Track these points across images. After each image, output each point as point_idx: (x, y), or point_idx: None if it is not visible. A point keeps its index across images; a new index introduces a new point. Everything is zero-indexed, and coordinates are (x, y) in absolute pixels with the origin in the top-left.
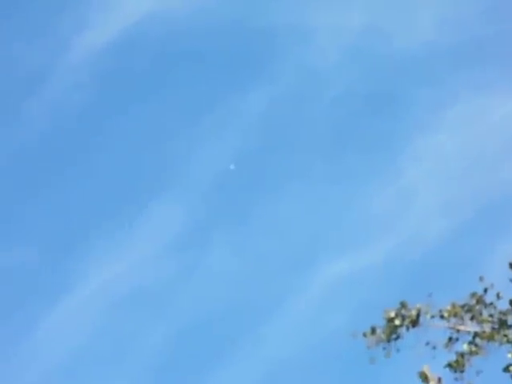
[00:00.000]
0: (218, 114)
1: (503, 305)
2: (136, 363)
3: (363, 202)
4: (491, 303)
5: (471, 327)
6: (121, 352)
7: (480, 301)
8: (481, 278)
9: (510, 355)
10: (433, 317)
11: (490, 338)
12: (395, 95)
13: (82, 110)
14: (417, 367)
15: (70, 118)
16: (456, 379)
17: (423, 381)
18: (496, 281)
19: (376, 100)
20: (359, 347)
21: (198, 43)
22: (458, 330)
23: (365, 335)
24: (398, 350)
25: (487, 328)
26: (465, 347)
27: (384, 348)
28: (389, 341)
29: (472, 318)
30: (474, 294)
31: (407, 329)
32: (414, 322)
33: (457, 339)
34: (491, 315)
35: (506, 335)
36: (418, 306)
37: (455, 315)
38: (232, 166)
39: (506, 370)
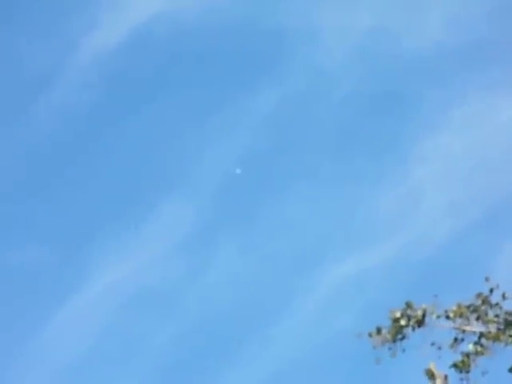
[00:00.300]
0: (226, 114)
1: (509, 305)
2: (144, 363)
3: (371, 203)
4: (497, 303)
5: (477, 327)
6: (128, 352)
7: (486, 301)
8: (486, 279)
9: None
10: (438, 317)
11: (496, 338)
12: (403, 95)
13: (90, 111)
14: (422, 367)
15: (79, 119)
16: (461, 379)
17: (430, 378)
18: (503, 281)
19: (384, 100)
20: (366, 347)
21: (207, 44)
22: (464, 331)
23: (370, 335)
24: (403, 351)
25: (493, 328)
26: (470, 347)
27: (390, 348)
28: (394, 341)
29: (478, 319)
30: (479, 295)
31: (413, 329)
32: (420, 323)
33: (462, 339)
34: (497, 315)
35: (511, 335)
36: (423, 306)
37: (461, 315)
38: (238, 171)
39: (511, 370)
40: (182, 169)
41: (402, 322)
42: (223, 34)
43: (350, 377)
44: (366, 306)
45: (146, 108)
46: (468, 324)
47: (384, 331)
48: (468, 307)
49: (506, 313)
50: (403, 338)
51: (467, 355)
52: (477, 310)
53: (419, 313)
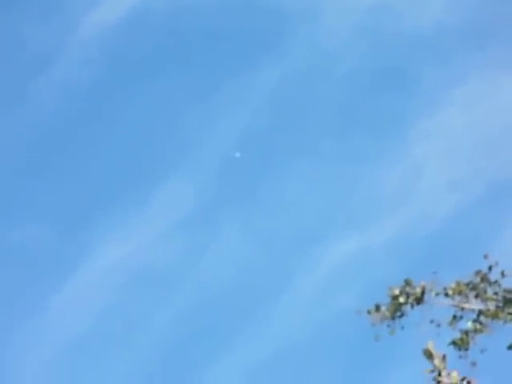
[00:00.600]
0: (227, 92)
1: (508, 283)
2: (144, 342)
3: (372, 180)
4: (496, 281)
5: (476, 305)
6: (130, 331)
7: (484, 279)
8: (485, 256)
9: None
10: (437, 294)
11: (495, 316)
12: (404, 73)
13: (91, 87)
14: (421, 344)
15: (80, 95)
16: (460, 357)
17: (428, 358)
18: (504, 258)
19: (385, 78)
20: (367, 326)
21: (208, 21)
22: (463, 308)
23: (369, 312)
24: (402, 328)
25: (492, 306)
26: (469, 325)
27: (388, 325)
28: (393, 318)
29: (476, 296)
30: (478, 272)
31: (412, 306)
32: (419, 300)
33: (461, 317)
34: (496, 293)
35: (510, 313)
36: (422, 283)
37: (460, 293)
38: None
39: (510, 347)
40: (183, 148)
41: (401, 300)
42: (224, 11)
43: (350, 356)
44: (368, 284)
45: (146, 85)
46: (467, 301)
47: (383, 308)
48: (467, 285)
49: (505, 290)
50: (402, 315)
51: (466, 333)
52: (476, 287)
53: (418, 290)
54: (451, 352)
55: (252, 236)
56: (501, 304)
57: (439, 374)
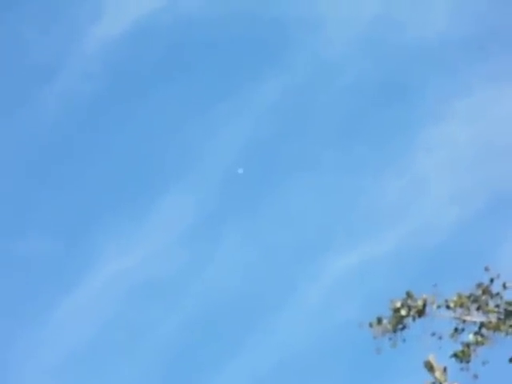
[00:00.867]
0: (229, 104)
1: (510, 295)
2: (148, 352)
3: (374, 192)
4: (497, 293)
5: (477, 317)
6: (133, 342)
7: (486, 291)
8: (486, 268)
9: None
10: (439, 307)
11: (496, 328)
12: (407, 85)
13: (93, 100)
14: (423, 357)
15: (82, 108)
16: (462, 369)
17: (429, 370)
18: (507, 270)
19: (388, 90)
20: (369, 338)
21: (211, 33)
22: (464, 321)
23: (371, 325)
24: (404, 341)
25: (493, 318)
26: (471, 337)
27: (390, 338)
28: (395, 331)
29: (478, 309)
30: (480, 285)
31: (413, 319)
32: (420, 312)
33: (463, 329)
34: (497, 305)
35: (511, 325)
36: (424, 296)
37: (461, 305)
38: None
39: None
40: (186, 159)
41: (403, 312)
42: (227, 23)
43: (353, 367)
44: (370, 296)
45: (149, 98)
46: (468, 314)
47: (384, 321)
48: (468, 297)
49: (507, 303)
50: (404, 328)
51: (467, 345)
52: (477, 299)
53: (419, 303)
54: (453, 364)
55: (254, 247)
56: (502, 316)
57: None
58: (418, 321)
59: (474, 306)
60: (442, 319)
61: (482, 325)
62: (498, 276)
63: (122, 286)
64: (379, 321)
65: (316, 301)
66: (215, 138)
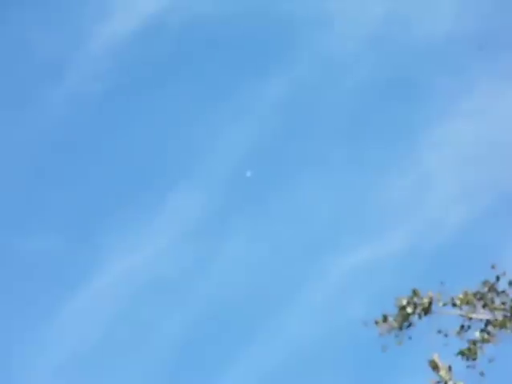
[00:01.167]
0: (237, 101)
1: None
2: (155, 350)
3: (382, 190)
4: (503, 291)
5: (483, 315)
6: (140, 340)
7: (492, 288)
8: (493, 266)
9: None
10: (445, 304)
11: (503, 325)
12: (414, 83)
13: (101, 99)
14: (429, 355)
15: (90, 107)
16: (468, 367)
17: (433, 369)
18: None
19: (395, 88)
20: (376, 335)
21: (217, 31)
22: (470, 318)
23: (376, 323)
24: (410, 338)
25: (499, 316)
26: (477, 335)
27: (396, 336)
28: (401, 329)
29: (484, 306)
30: (486, 282)
31: (419, 317)
32: (426, 310)
33: (469, 327)
34: (503, 303)
35: None
36: (429, 293)
37: (467, 303)
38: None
39: None
40: (193, 156)
41: (409, 310)
42: (234, 21)
43: (359, 364)
44: (378, 293)
45: (156, 96)
46: (474, 311)
47: (390, 319)
48: (475, 294)
49: None
50: (409, 325)
51: (474, 343)
52: (483, 297)
53: (425, 300)
54: (459, 362)
55: (262, 244)
56: (509, 314)
57: None
58: (424, 318)
59: (480, 304)
60: (448, 317)
61: (488, 322)
62: (505, 273)
63: (129, 283)
64: (385, 318)
65: (323, 298)
66: (222, 136)
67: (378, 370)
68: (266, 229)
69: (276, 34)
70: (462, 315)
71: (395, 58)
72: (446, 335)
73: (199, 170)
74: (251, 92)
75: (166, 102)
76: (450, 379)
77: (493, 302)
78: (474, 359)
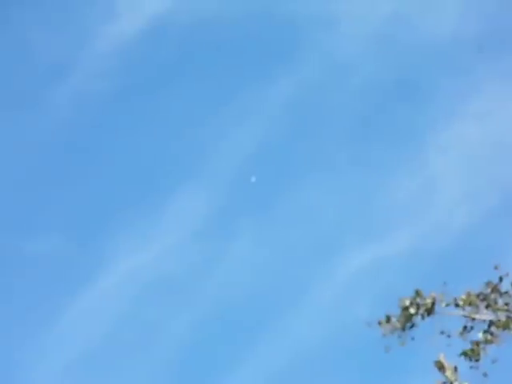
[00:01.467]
0: (242, 102)
1: None
2: (161, 350)
3: (388, 191)
4: (506, 292)
5: (486, 316)
6: (146, 339)
7: (495, 289)
8: (496, 267)
9: None
10: (448, 305)
11: (506, 326)
12: (420, 84)
13: (106, 99)
14: (432, 356)
15: (95, 107)
16: (471, 368)
17: (439, 370)
18: None
19: (401, 89)
20: (380, 336)
21: (223, 32)
22: (473, 319)
23: (380, 324)
24: (412, 339)
25: (502, 317)
26: (480, 336)
27: (399, 336)
28: (404, 329)
29: (487, 307)
30: (489, 283)
31: (422, 317)
32: (429, 311)
33: (472, 328)
34: (506, 304)
35: None
36: (432, 294)
37: (470, 304)
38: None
39: None
40: (199, 157)
41: (412, 311)
42: (240, 22)
43: (365, 365)
44: (384, 294)
45: (161, 97)
46: (477, 312)
47: (393, 319)
48: (477, 295)
49: None
50: (412, 326)
51: (477, 343)
52: (486, 298)
53: (428, 301)
54: (462, 363)
55: (268, 245)
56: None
57: None
58: (427, 319)
59: (483, 305)
60: (451, 317)
61: (491, 323)
62: (507, 274)
63: (135, 283)
64: (388, 319)
65: (329, 299)
66: (228, 137)
67: (383, 371)
68: (272, 229)
69: (281, 35)
70: (464, 316)
71: (401, 59)
72: (448, 336)
73: (205, 171)
74: (257, 93)
75: (171, 102)
76: (456, 380)
77: (496, 302)
78: (477, 360)
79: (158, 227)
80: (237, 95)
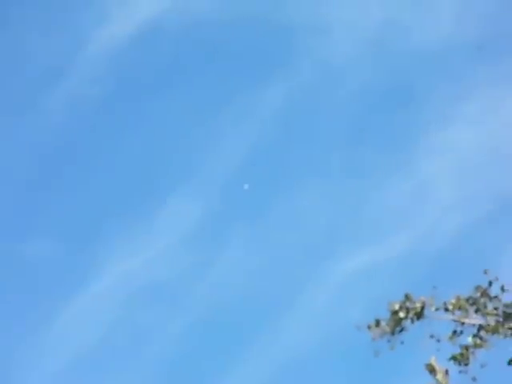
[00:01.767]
0: (235, 107)
1: (508, 298)
2: (153, 355)
3: (380, 196)
4: (496, 296)
5: (476, 320)
6: (138, 344)
7: (485, 294)
8: (485, 271)
9: None
10: (437, 309)
11: (495, 330)
12: (413, 89)
13: (100, 104)
14: (422, 359)
15: (89, 112)
16: (461, 372)
17: (430, 373)
18: (507, 274)
19: (393, 94)
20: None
21: (217, 38)
22: (463, 323)
23: (369, 328)
24: (402, 343)
25: (492, 321)
26: (469, 340)
27: (389, 340)
28: (393, 333)
29: (477, 311)
30: (478, 287)
31: (412, 321)
32: (419, 315)
33: (461, 332)
34: (496, 308)
35: (510, 328)
36: (422, 298)
37: (460, 308)
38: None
39: (510, 363)
40: (192, 162)
41: (401, 315)
42: (233, 27)
43: (357, 369)
44: (376, 298)
45: (154, 102)
46: (467, 316)
47: (383, 324)
48: (467, 300)
49: (505, 305)
50: (402, 330)
51: (466, 348)
52: (476, 302)
53: (418, 305)
54: (451, 367)
55: (260, 250)
56: (501, 319)
57: None
58: (417, 323)
59: (472, 309)
60: (440, 322)
61: (480, 327)
62: (497, 279)
63: (127, 288)
64: (377, 323)
65: (322, 304)
66: (221, 142)
67: (374, 375)
68: (264, 234)
69: (276, 40)
70: (454, 320)
71: (394, 64)
72: (438, 340)
73: (198, 176)
74: (250, 98)
75: (165, 106)
76: (447, 383)
77: (485, 307)
78: (466, 364)
79: (150, 232)
80: (230, 100)
